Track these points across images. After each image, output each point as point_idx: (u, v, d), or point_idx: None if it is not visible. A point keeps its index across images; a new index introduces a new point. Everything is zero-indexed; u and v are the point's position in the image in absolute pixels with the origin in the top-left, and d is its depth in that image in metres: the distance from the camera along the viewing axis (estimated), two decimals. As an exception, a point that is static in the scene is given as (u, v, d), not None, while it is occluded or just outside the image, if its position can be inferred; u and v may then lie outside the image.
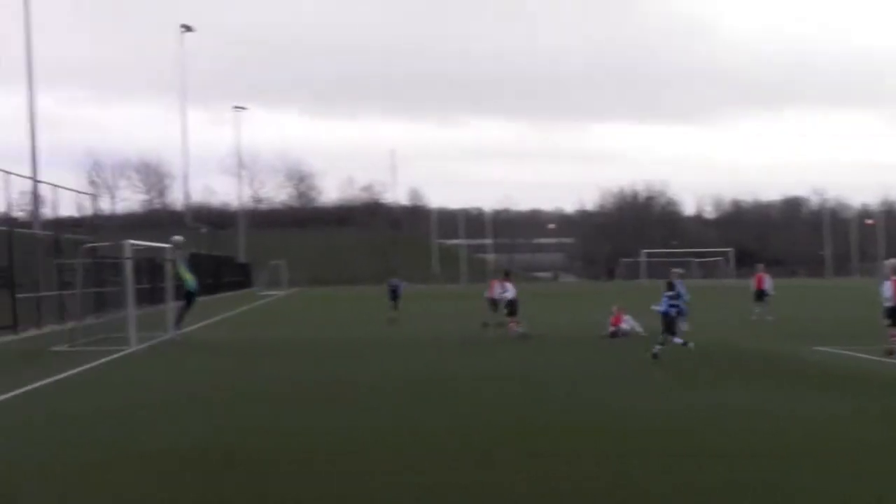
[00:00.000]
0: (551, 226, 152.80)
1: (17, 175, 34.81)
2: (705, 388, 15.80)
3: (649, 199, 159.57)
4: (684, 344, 20.20)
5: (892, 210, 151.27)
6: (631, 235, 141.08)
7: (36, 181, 40.49)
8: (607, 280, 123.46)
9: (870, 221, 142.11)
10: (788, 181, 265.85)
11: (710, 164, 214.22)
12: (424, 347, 24.38)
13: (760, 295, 33.46)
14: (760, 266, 35.13)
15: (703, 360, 19.59)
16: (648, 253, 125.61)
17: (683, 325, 22.90)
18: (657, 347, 19.89)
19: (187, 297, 28.50)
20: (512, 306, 27.35)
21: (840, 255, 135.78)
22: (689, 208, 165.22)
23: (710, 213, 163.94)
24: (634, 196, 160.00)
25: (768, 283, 33.74)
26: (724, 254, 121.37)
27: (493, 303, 29.35)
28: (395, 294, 35.83)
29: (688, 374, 17.64)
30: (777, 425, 12.09)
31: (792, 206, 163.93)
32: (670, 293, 20.56)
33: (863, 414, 12.99)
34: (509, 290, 27.56)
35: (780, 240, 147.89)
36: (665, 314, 20.44)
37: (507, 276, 29.07)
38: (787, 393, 15.02)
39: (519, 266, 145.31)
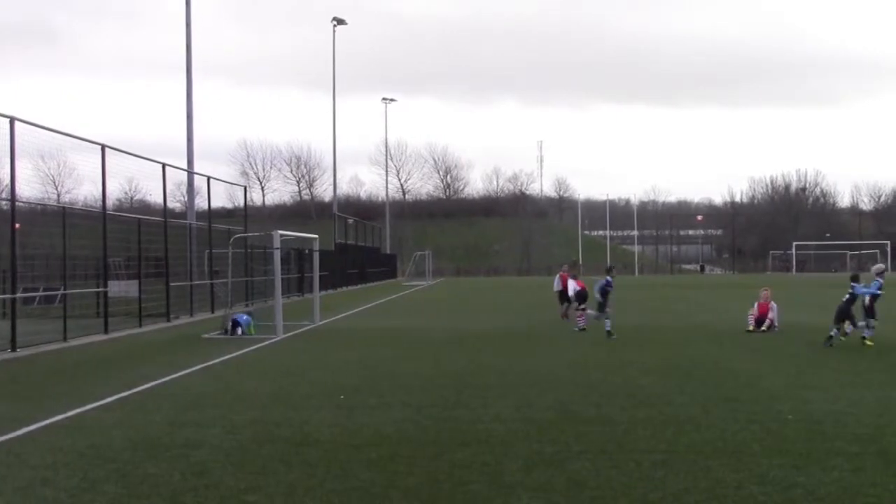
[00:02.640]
0: (699, 217, 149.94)
1: (173, 167, 35.90)
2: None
3: (801, 190, 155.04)
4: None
5: None
6: (782, 227, 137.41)
7: (190, 173, 41.70)
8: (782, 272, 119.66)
9: None
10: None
11: (867, 153, 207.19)
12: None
13: None
14: None
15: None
16: (799, 245, 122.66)
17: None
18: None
19: None
20: (580, 298, 27.70)
21: None
22: (844, 199, 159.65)
23: (866, 203, 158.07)
24: (786, 187, 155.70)
25: None
26: (879, 246, 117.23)
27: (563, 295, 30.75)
28: None
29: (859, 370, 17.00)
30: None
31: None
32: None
33: None
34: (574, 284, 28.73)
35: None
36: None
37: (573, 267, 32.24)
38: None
39: (664, 258, 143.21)
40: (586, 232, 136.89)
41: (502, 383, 15.65)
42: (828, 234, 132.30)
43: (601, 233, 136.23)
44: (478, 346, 22.60)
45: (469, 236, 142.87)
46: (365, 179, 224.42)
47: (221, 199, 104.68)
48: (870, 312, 21.51)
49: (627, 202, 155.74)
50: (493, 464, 9.54)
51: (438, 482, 8.83)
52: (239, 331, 26.00)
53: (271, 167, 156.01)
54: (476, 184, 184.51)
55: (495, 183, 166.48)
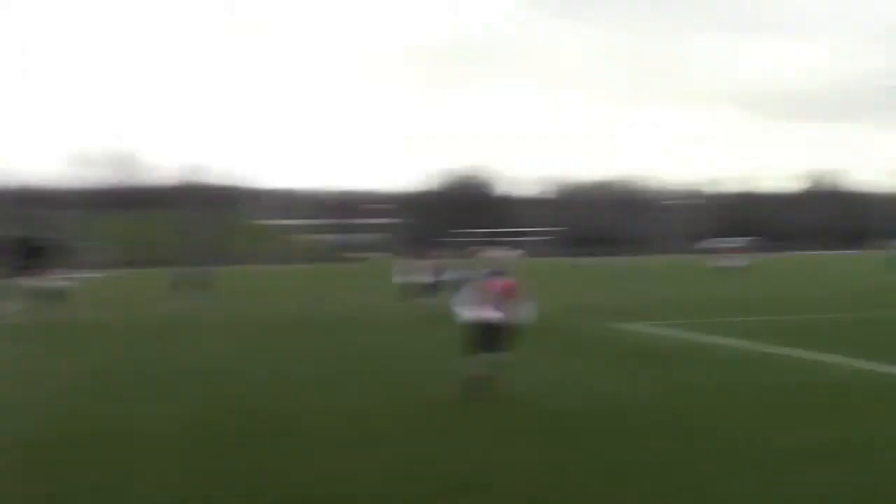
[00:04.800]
0: (373, 206, 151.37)
1: None
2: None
3: (476, 180, 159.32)
4: None
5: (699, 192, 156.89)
6: (459, 216, 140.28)
7: None
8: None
9: (683, 201, 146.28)
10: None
11: (542, 146, 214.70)
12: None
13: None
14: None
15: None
16: (471, 233, 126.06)
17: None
18: None
19: None
20: None
21: (664, 236, 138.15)
22: (518, 189, 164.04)
23: (540, 193, 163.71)
24: (464, 177, 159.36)
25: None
26: (549, 233, 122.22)
27: None
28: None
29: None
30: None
31: (615, 188, 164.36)
32: None
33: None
34: None
35: (609, 219, 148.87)
36: None
37: None
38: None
39: (336, 246, 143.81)
40: (261, 221, 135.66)
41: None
42: (498, 223, 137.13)
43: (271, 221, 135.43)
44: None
45: (141, 226, 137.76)
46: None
47: None
48: None
49: (306, 191, 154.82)
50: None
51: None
52: None
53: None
54: (156, 172, 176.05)
55: (172, 172, 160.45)
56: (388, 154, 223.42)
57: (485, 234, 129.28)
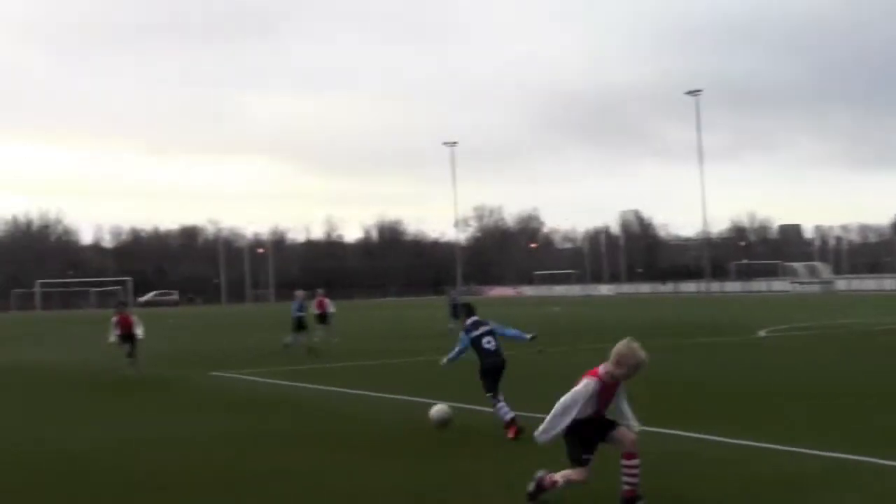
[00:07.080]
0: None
1: None
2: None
3: (44, 228, 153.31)
4: None
5: (280, 240, 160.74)
6: (26, 265, 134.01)
7: None
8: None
9: (260, 250, 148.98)
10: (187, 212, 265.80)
11: (114, 191, 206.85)
12: None
13: (322, 318, 33.05)
14: (320, 291, 33.98)
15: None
16: (44, 283, 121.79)
17: None
18: None
19: None
20: None
21: (234, 283, 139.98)
22: (86, 237, 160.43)
23: (108, 241, 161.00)
24: (28, 224, 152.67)
25: (330, 306, 33.47)
26: (122, 282, 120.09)
27: None
28: None
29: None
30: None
31: (189, 236, 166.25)
32: None
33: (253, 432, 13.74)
34: None
35: (177, 268, 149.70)
36: None
37: None
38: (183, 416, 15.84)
39: None
40: None
41: None
42: (71, 272, 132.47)
43: None
44: None
45: None
46: None
47: None
48: None
49: None
50: None
51: None
52: None
53: None
54: None
55: None
56: None
57: (57, 285, 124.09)
